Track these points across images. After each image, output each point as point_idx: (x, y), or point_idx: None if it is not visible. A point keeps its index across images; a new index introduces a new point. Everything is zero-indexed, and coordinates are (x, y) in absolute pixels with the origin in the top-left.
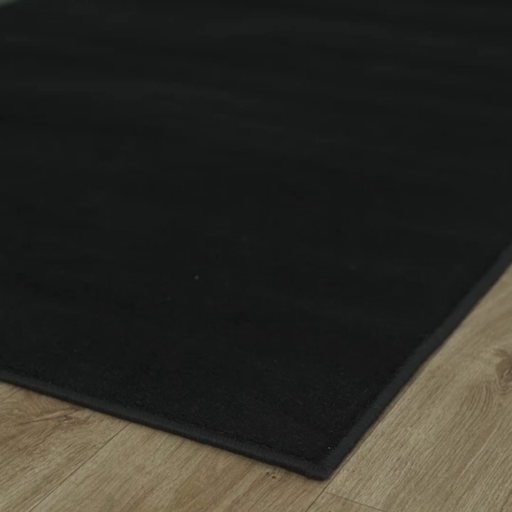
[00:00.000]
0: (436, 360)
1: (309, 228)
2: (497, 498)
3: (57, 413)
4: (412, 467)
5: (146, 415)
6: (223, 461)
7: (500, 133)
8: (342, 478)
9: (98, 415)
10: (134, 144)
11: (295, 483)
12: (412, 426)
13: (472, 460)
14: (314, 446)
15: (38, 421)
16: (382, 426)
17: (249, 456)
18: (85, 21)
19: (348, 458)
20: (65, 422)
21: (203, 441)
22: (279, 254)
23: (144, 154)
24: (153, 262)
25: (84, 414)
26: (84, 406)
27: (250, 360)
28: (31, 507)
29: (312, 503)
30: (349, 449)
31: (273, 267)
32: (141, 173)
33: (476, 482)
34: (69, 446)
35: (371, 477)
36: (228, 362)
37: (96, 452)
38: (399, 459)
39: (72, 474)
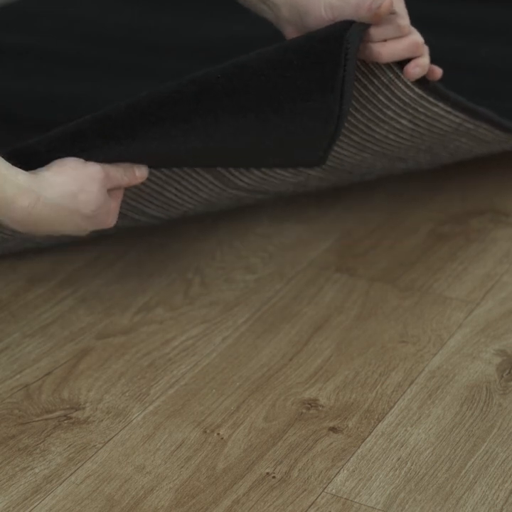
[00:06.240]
0: (436, 360)
1: None
2: (497, 498)
3: (57, 413)
4: (412, 467)
5: None
6: (223, 461)
7: None
8: (342, 478)
9: (98, 415)
10: None
11: (295, 483)
12: (412, 426)
13: (472, 460)
14: None
15: (38, 421)
16: (382, 426)
17: None
18: (85, 21)
19: (348, 458)
20: (65, 422)
21: None
22: None
23: None
24: None
25: (84, 414)
26: None
27: None
28: (31, 507)
29: (312, 503)
30: None
31: None
32: None
33: (476, 482)
34: (69, 446)
35: (371, 477)
36: None
37: (96, 452)
38: (399, 459)
39: (72, 474)
